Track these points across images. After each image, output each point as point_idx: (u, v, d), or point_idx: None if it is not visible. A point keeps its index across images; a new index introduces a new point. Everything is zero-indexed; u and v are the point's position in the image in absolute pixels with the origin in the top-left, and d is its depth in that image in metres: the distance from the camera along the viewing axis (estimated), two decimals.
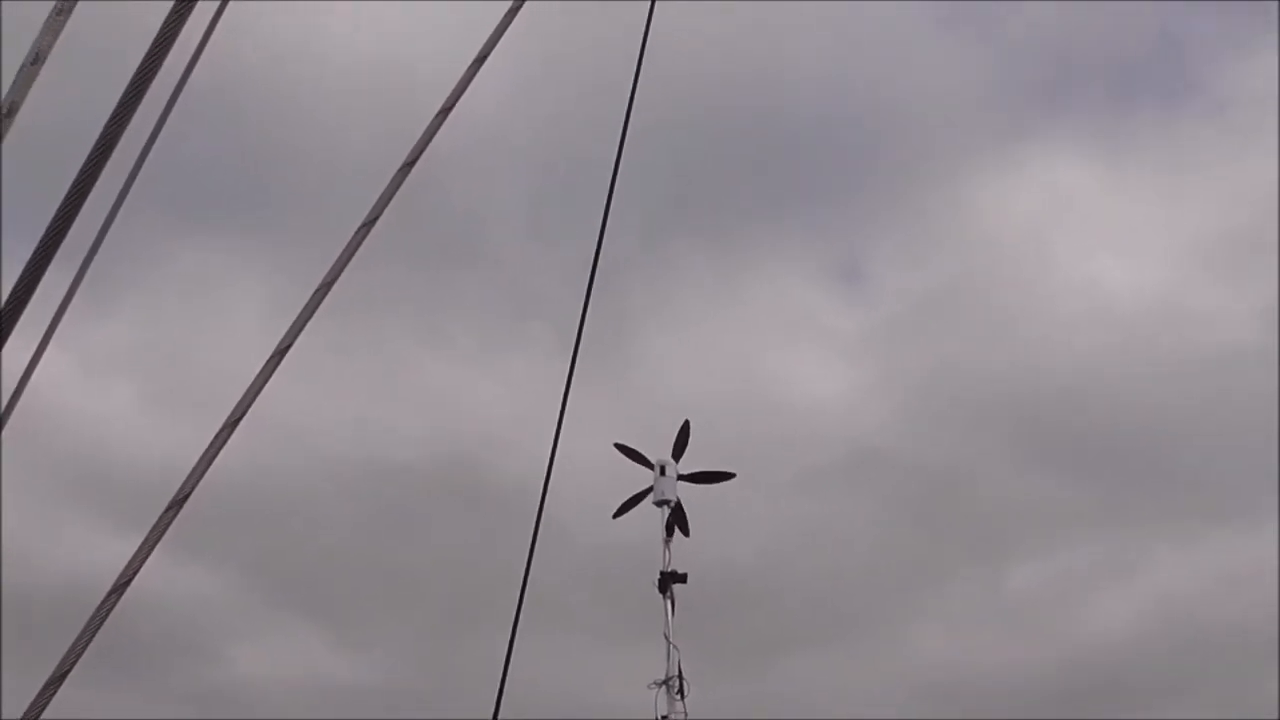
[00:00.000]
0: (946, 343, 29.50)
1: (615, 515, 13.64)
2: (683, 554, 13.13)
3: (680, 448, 13.57)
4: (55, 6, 3.82)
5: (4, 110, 3.68)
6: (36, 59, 3.75)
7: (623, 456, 13.65)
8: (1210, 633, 25.39)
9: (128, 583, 3.92)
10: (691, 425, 13.63)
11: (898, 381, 29.52)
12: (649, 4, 6.25)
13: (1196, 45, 33.48)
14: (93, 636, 3.85)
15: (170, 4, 3.91)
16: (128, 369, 29.28)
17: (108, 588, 3.91)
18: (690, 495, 13.48)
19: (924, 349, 29.71)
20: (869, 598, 25.28)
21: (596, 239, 6.82)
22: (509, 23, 4.85)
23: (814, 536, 24.40)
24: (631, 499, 13.58)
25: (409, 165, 4.60)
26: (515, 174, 28.48)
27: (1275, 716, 17.14)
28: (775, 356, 28.80)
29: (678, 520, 13.36)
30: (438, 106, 4.58)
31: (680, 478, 13.50)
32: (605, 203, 6.70)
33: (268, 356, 4.18)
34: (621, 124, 6.49)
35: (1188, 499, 28.05)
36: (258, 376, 4.21)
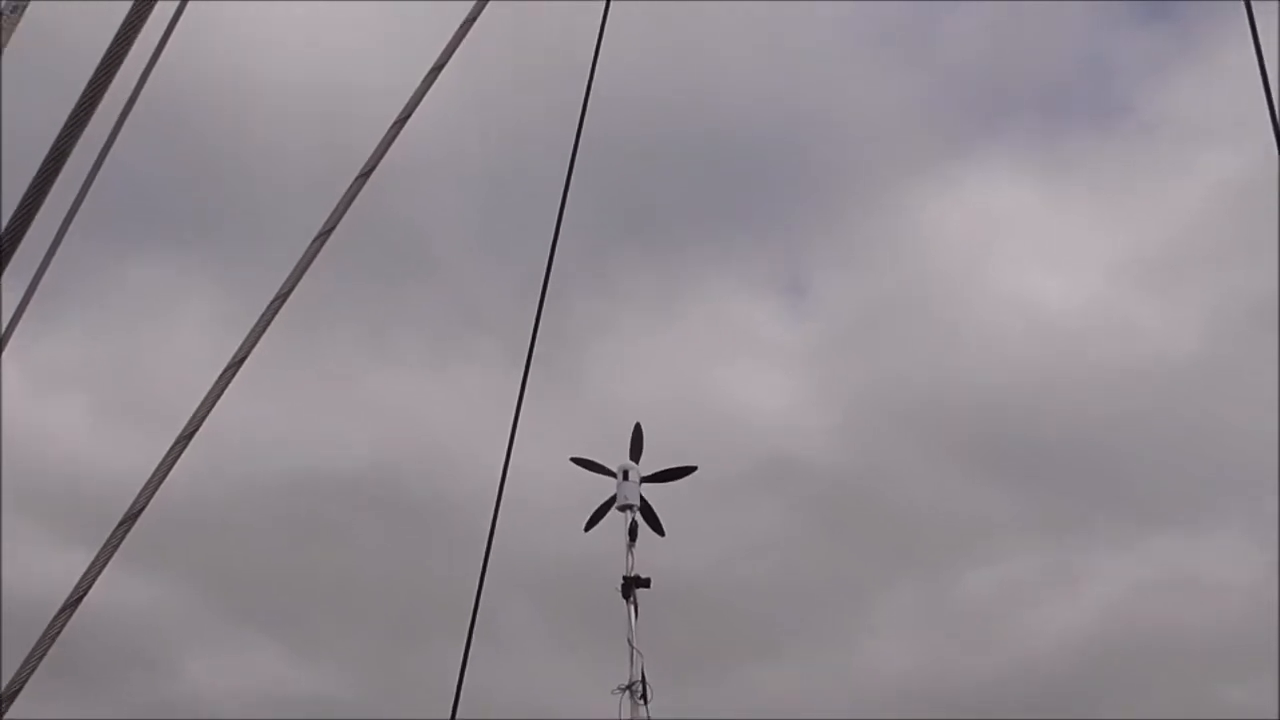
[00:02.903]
0: (887, 356, 29.87)
1: (586, 528, 13.57)
2: (644, 560, 13.16)
3: (636, 451, 13.59)
4: (8, 5, 3.77)
5: None
6: None
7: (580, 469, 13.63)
8: (1155, 639, 25.79)
9: (80, 599, 3.90)
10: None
11: (840, 394, 29.82)
12: (600, 24, 6.27)
13: (1125, 67, 34.30)
14: (45, 653, 3.83)
15: (120, 20, 3.90)
16: (79, 383, 29.04)
17: (60, 604, 3.89)
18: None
19: (866, 362, 30.10)
20: (816, 608, 25.43)
21: (548, 254, 6.83)
22: (465, 32, 4.87)
23: (762, 546, 24.55)
24: (600, 509, 13.54)
25: (366, 174, 4.60)
26: (463, 187, 28.50)
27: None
28: (719, 371, 28.97)
29: (649, 521, 13.37)
30: (386, 122, 4.59)
31: (643, 479, 13.52)
32: (557, 219, 6.71)
33: (219, 371, 4.16)
34: (569, 139, 6.51)
35: (1127, 507, 28.61)
36: (212, 389, 4.19)
